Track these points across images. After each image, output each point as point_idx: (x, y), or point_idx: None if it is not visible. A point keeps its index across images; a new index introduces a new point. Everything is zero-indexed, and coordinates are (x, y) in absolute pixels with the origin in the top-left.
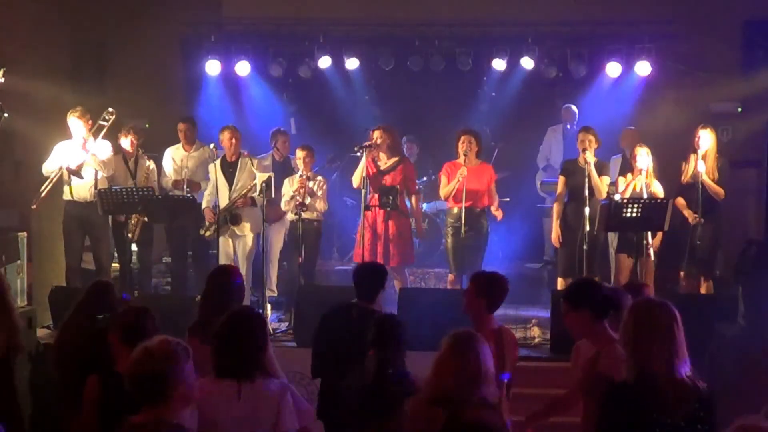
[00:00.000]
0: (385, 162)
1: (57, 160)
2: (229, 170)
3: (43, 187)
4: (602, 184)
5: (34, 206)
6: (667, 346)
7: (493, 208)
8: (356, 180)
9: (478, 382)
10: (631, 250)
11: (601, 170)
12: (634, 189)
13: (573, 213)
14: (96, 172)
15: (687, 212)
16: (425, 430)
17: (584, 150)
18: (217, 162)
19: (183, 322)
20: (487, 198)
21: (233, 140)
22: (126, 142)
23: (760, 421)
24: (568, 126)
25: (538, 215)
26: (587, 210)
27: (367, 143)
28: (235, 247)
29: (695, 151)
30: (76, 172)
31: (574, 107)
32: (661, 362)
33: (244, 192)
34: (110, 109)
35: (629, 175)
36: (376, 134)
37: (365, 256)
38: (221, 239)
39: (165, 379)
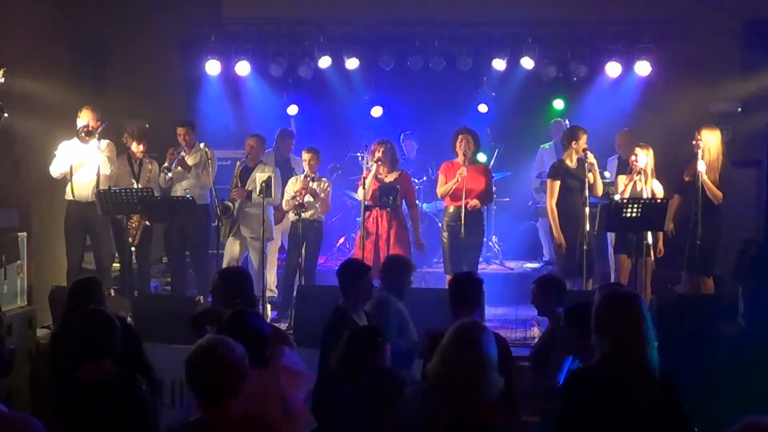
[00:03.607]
0: (385, 176)
1: (65, 159)
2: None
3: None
4: (599, 182)
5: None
6: (641, 334)
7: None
8: (360, 195)
9: (481, 371)
10: (630, 250)
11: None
12: (635, 187)
13: (570, 214)
14: (98, 171)
15: (670, 225)
16: (429, 419)
17: (585, 150)
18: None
19: (182, 322)
20: (485, 197)
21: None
22: (136, 147)
23: (766, 421)
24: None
25: (538, 215)
26: (587, 210)
27: (375, 159)
28: (242, 250)
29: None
30: (91, 132)
31: (563, 121)
32: (633, 350)
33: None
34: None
35: (629, 175)
36: (380, 149)
37: (365, 256)
38: (228, 240)
39: (245, 373)
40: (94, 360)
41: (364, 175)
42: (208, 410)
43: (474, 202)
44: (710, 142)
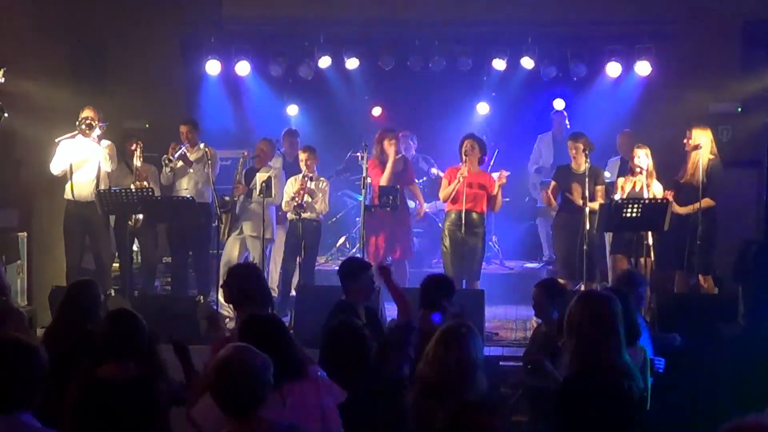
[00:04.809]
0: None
1: (65, 157)
2: None
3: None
4: (598, 193)
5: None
6: (613, 338)
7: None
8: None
9: (467, 372)
10: (626, 249)
11: (597, 178)
12: (633, 188)
13: (569, 217)
14: (99, 170)
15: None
16: (425, 424)
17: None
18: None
19: (182, 322)
20: (486, 202)
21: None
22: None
23: (761, 420)
24: (558, 131)
25: (537, 215)
26: (587, 210)
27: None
28: (241, 251)
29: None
30: (92, 125)
31: (563, 112)
32: (608, 354)
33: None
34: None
35: (629, 176)
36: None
37: (367, 253)
38: (228, 240)
39: (270, 382)
40: (118, 360)
41: (364, 175)
42: (236, 421)
43: (502, 179)
44: (702, 142)
